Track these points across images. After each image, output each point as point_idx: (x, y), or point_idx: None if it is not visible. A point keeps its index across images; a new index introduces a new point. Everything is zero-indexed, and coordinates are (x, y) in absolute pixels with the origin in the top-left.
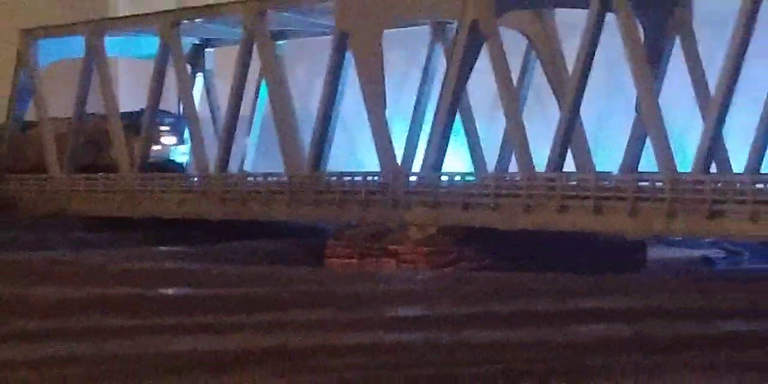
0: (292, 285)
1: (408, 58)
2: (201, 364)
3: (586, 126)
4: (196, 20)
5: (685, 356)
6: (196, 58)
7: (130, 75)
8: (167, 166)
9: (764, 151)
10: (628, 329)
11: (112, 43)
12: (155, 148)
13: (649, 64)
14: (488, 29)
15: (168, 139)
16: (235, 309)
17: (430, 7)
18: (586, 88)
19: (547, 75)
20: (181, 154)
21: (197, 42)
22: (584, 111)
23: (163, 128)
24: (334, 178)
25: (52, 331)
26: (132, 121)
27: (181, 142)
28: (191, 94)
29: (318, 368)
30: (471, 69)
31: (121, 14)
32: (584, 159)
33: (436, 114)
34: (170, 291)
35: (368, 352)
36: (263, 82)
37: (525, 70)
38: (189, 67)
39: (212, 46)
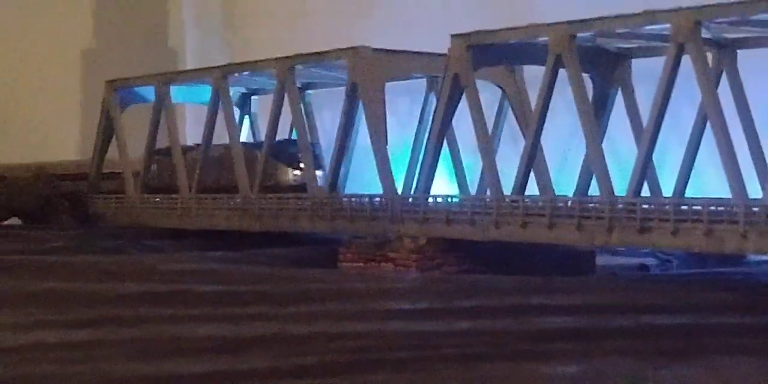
0: (306, 283)
1: (410, 102)
2: (217, 347)
3: (549, 157)
4: (242, 73)
5: (613, 344)
6: (244, 103)
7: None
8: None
9: (688, 177)
10: (569, 321)
11: (177, 92)
12: (296, 173)
13: (595, 110)
14: (466, 81)
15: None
16: (255, 302)
17: (423, 65)
18: (550, 128)
19: (516, 118)
20: (321, 179)
21: (245, 91)
22: (548, 146)
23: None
24: (347, 198)
25: (107, 318)
26: (277, 150)
27: (319, 167)
28: (237, 133)
29: (312, 351)
30: (453, 112)
31: (188, 67)
32: (545, 183)
33: (425, 147)
34: (205, 287)
35: (358, 338)
36: None
37: (499, 112)
38: (237, 111)
39: (256, 94)
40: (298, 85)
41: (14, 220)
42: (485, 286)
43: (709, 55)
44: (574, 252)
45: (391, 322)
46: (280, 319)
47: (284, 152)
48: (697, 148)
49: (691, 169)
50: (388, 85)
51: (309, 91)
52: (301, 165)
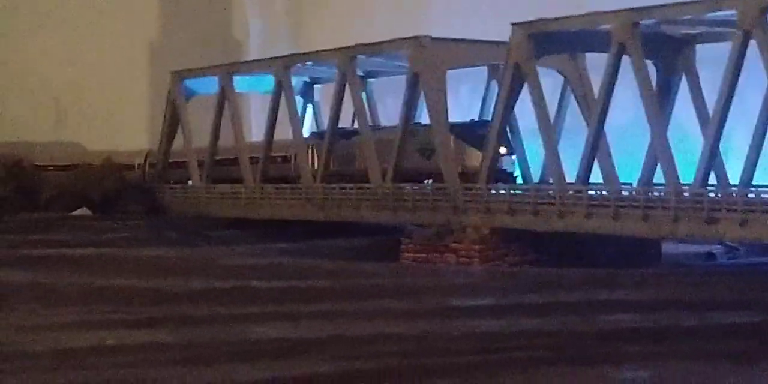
0: (367, 278)
1: (472, 91)
2: (275, 350)
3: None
4: (305, 63)
5: (682, 345)
6: (306, 92)
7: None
8: (500, 175)
9: (755, 166)
10: (636, 319)
11: (241, 82)
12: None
13: (659, 97)
14: (527, 70)
15: (500, 149)
16: (315, 299)
17: (484, 53)
18: (613, 115)
19: (579, 105)
20: (511, 163)
21: (307, 80)
22: (612, 134)
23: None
24: (408, 188)
25: (167, 318)
26: (466, 132)
27: (511, 151)
28: (299, 121)
29: (370, 355)
30: (516, 99)
31: (252, 58)
32: (609, 172)
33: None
34: (266, 283)
35: (418, 340)
36: None
37: (561, 100)
38: (301, 100)
39: (318, 83)
40: (360, 73)
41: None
42: (549, 280)
43: None
44: (638, 241)
45: (452, 321)
46: (339, 318)
47: (472, 134)
48: (764, 136)
49: (758, 157)
50: (450, 71)
51: (370, 80)
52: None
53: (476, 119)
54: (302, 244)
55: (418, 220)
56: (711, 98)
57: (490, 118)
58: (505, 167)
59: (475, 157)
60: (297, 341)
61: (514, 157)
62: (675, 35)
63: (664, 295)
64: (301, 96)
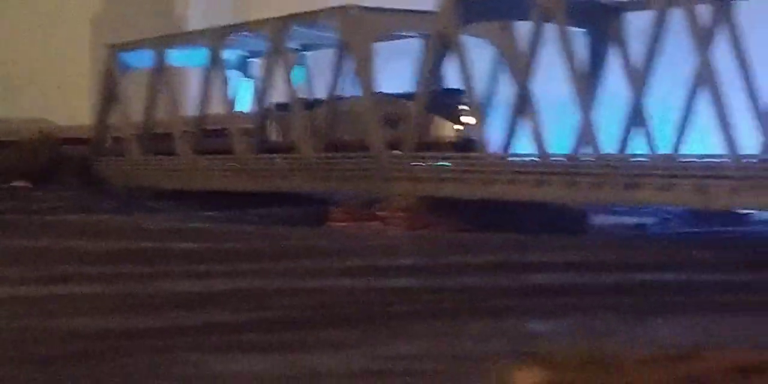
0: (286, 240)
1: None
2: (180, 302)
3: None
4: (238, 35)
5: (596, 300)
6: (243, 66)
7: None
8: (469, 146)
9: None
10: (554, 277)
11: (179, 56)
12: (456, 127)
13: (590, 65)
14: (454, 37)
15: (468, 119)
16: (231, 259)
17: (414, 22)
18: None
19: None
20: (482, 133)
21: (246, 53)
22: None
23: (461, 107)
24: (338, 157)
25: (79, 274)
26: (432, 101)
27: (481, 121)
28: (228, 96)
29: (272, 307)
30: (440, 68)
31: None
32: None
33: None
34: (186, 245)
35: (323, 294)
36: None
37: (494, 70)
38: (239, 73)
39: (257, 57)
40: (297, 46)
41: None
42: (473, 244)
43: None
44: (566, 211)
45: (365, 278)
46: (250, 275)
47: (442, 104)
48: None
49: (685, 125)
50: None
51: (306, 53)
52: (465, 119)
53: (446, 88)
54: (234, 213)
55: (347, 189)
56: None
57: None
58: (473, 137)
59: (443, 128)
60: (204, 295)
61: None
62: (605, 3)
63: (586, 258)
64: (239, 69)
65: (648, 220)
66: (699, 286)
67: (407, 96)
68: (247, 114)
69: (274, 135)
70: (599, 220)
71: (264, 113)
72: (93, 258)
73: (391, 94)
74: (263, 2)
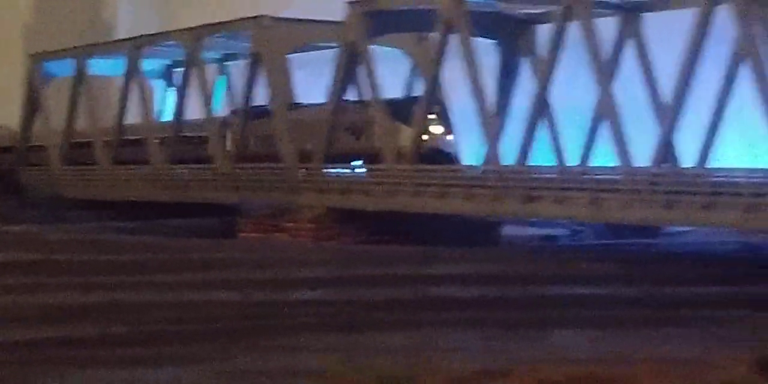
0: (189, 253)
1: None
2: (51, 315)
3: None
4: (157, 45)
5: (452, 314)
6: (168, 75)
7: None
8: (438, 157)
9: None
10: (431, 291)
11: (103, 65)
12: (423, 137)
13: (501, 76)
14: (362, 48)
15: (436, 128)
16: (122, 271)
17: (328, 33)
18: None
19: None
20: (450, 144)
21: (168, 63)
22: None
23: (430, 117)
24: (250, 169)
25: None
26: (398, 109)
27: (449, 131)
28: (150, 105)
29: (143, 321)
30: (352, 76)
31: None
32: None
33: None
34: (79, 257)
35: (200, 307)
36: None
37: (410, 81)
38: (162, 83)
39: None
40: (218, 56)
41: None
42: (376, 256)
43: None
44: (478, 223)
45: (250, 291)
46: (134, 287)
47: (406, 112)
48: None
49: (594, 138)
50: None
51: (227, 63)
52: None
53: (411, 96)
54: (147, 223)
55: (257, 199)
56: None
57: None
58: (442, 148)
59: (408, 137)
60: (76, 307)
61: (450, 137)
62: (513, 15)
63: (485, 270)
64: (164, 78)
65: (560, 232)
66: (558, 300)
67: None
68: (164, 123)
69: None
70: (512, 231)
71: (223, 121)
72: None
73: (357, 101)
74: (191, 12)
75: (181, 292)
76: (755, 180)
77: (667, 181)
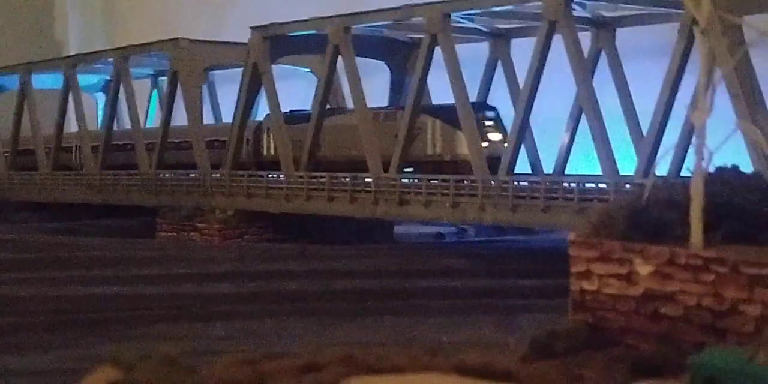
0: (99, 250)
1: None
2: None
3: None
4: (94, 64)
5: (293, 306)
6: (108, 89)
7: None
8: (494, 165)
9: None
10: (303, 284)
11: (43, 79)
12: (483, 145)
13: (392, 95)
14: (263, 69)
15: (494, 136)
16: (25, 268)
17: (241, 54)
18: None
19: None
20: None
21: (108, 78)
22: None
23: (487, 123)
24: (169, 174)
25: None
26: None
27: (505, 138)
28: (84, 118)
29: (17, 312)
30: (255, 97)
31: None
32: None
33: (233, 128)
34: None
35: (74, 301)
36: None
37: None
38: (102, 96)
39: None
40: (151, 72)
41: None
42: (271, 254)
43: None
44: (372, 222)
45: (141, 285)
46: (26, 283)
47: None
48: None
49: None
50: None
51: (162, 78)
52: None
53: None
54: (73, 223)
55: (174, 202)
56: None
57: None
58: (499, 155)
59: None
60: None
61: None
62: (401, 39)
63: (356, 266)
64: (103, 92)
65: (448, 230)
66: (429, 291)
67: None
68: (94, 132)
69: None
70: (406, 229)
71: (258, 126)
72: None
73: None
74: (135, 27)
75: (69, 287)
76: (585, 186)
77: (514, 187)
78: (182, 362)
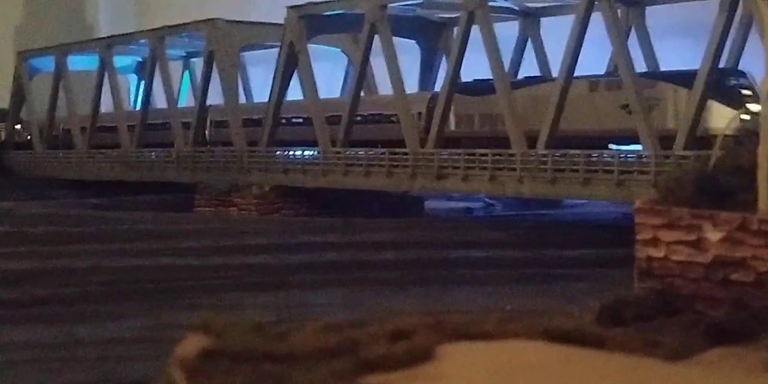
0: (139, 224)
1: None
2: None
3: None
4: (128, 45)
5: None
6: (140, 70)
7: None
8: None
9: None
10: (346, 255)
11: (81, 61)
12: (743, 117)
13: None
14: (299, 48)
15: (754, 107)
16: (76, 241)
17: (275, 34)
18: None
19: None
20: None
21: (140, 59)
22: None
23: (744, 92)
24: (204, 151)
25: None
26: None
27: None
28: (123, 96)
29: (79, 283)
30: (291, 75)
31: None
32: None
33: (267, 107)
34: (41, 229)
35: (122, 272)
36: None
37: (346, 77)
38: (135, 77)
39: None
40: (183, 53)
41: None
42: (309, 227)
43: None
44: (404, 197)
45: (180, 258)
46: (85, 255)
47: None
48: None
49: None
50: None
51: (193, 59)
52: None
53: (725, 68)
54: (115, 199)
55: (211, 179)
56: None
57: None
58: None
59: (720, 117)
60: (23, 272)
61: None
62: (432, 19)
63: (398, 238)
64: (135, 73)
65: (476, 205)
66: (474, 261)
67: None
68: (132, 112)
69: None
70: (437, 204)
71: (431, 98)
72: None
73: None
74: (165, 10)
75: (124, 258)
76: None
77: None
78: (270, 328)
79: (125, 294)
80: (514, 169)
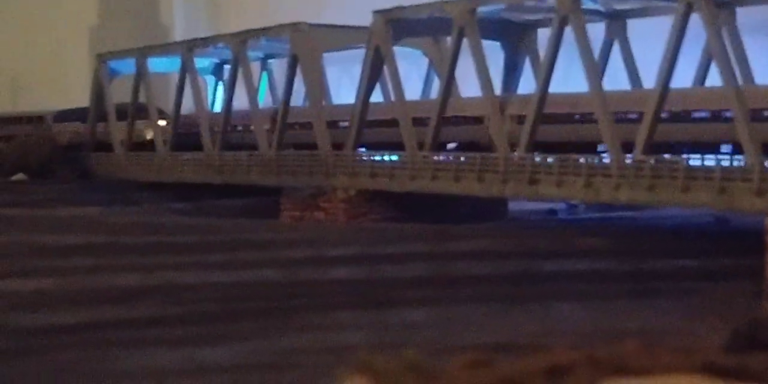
0: (233, 233)
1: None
2: (114, 297)
3: None
4: (208, 47)
5: (469, 290)
6: (218, 71)
7: None
8: None
9: None
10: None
11: (160, 63)
12: None
13: (506, 73)
14: (386, 52)
15: None
16: (174, 252)
17: (357, 37)
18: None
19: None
20: None
21: (217, 61)
22: None
23: None
24: (290, 155)
25: (32, 270)
26: None
27: None
28: (204, 98)
29: (191, 301)
30: (377, 79)
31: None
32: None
33: (353, 110)
34: (138, 239)
35: (237, 288)
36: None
37: (427, 79)
38: (212, 78)
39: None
40: (261, 55)
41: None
42: (399, 234)
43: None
44: (488, 200)
45: (295, 270)
46: (189, 268)
47: None
48: None
49: None
50: None
51: (270, 61)
52: None
53: None
54: (198, 204)
55: (296, 182)
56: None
57: None
58: None
59: None
60: (135, 289)
61: None
62: (517, 21)
63: (492, 246)
64: (213, 75)
65: (560, 206)
66: (578, 274)
67: None
68: (214, 113)
69: None
70: (519, 206)
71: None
72: (50, 252)
73: None
74: (238, 14)
75: (229, 271)
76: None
77: (650, 167)
78: (425, 366)
79: (238, 313)
80: (609, 176)
